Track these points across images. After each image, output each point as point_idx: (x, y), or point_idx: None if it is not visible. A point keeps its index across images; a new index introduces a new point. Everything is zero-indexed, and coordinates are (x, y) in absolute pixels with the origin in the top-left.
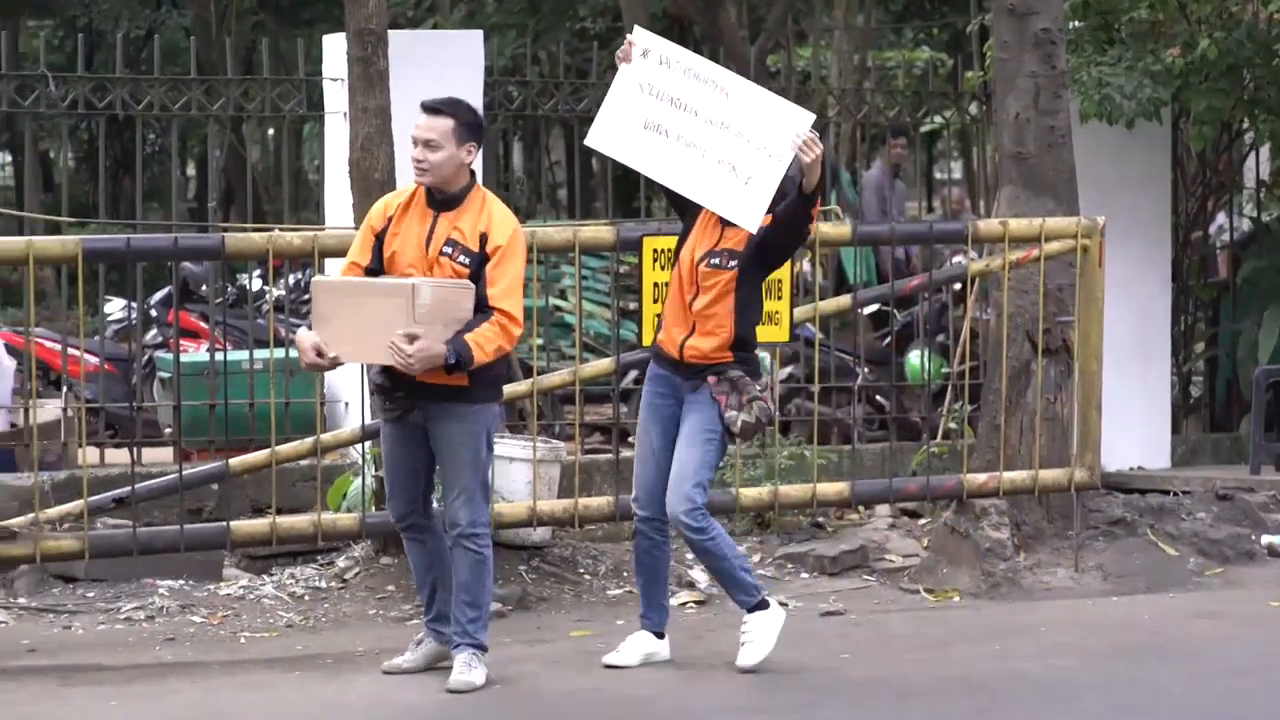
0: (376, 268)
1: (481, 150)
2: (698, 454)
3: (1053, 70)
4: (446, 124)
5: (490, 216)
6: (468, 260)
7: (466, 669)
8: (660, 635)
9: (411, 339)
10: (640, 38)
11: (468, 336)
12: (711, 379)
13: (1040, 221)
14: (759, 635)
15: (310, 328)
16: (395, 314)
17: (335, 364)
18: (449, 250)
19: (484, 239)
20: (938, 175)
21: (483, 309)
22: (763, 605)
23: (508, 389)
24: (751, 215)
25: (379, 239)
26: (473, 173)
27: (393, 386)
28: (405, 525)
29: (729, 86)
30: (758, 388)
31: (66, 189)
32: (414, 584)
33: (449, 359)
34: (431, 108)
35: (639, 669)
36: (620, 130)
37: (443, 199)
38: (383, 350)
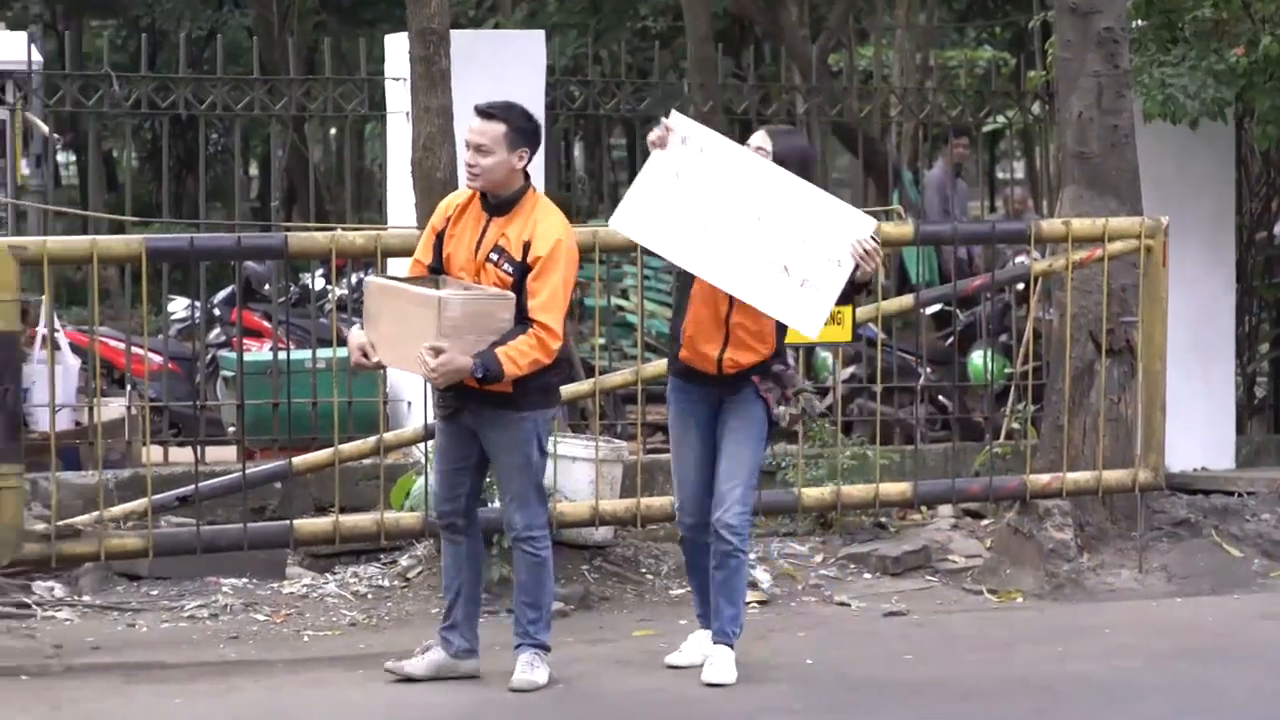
0: (437, 267)
1: (542, 151)
2: (748, 457)
3: (1116, 69)
4: (498, 129)
5: (535, 225)
6: (511, 269)
7: (529, 668)
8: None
9: (436, 352)
10: (679, 124)
11: (500, 350)
12: (755, 378)
13: (1103, 221)
14: (727, 664)
15: (362, 327)
16: (424, 324)
17: (379, 366)
18: (495, 257)
19: (526, 248)
20: (1000, 175)
21: (523, 320)
22: (731, 644)
23: (570, 389)
24: (811, 320)
25: (439, 238)
26: (528, 176)
27: (444, 386)
28: (445, 524)
29: (782, 185)
30: (800, 379)
31: (130, 188)
32: (443, 586)
33: (475, 373)
34: (484, 112)
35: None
36: (652, 216)
37: (496, 203)
38: (414, 359)
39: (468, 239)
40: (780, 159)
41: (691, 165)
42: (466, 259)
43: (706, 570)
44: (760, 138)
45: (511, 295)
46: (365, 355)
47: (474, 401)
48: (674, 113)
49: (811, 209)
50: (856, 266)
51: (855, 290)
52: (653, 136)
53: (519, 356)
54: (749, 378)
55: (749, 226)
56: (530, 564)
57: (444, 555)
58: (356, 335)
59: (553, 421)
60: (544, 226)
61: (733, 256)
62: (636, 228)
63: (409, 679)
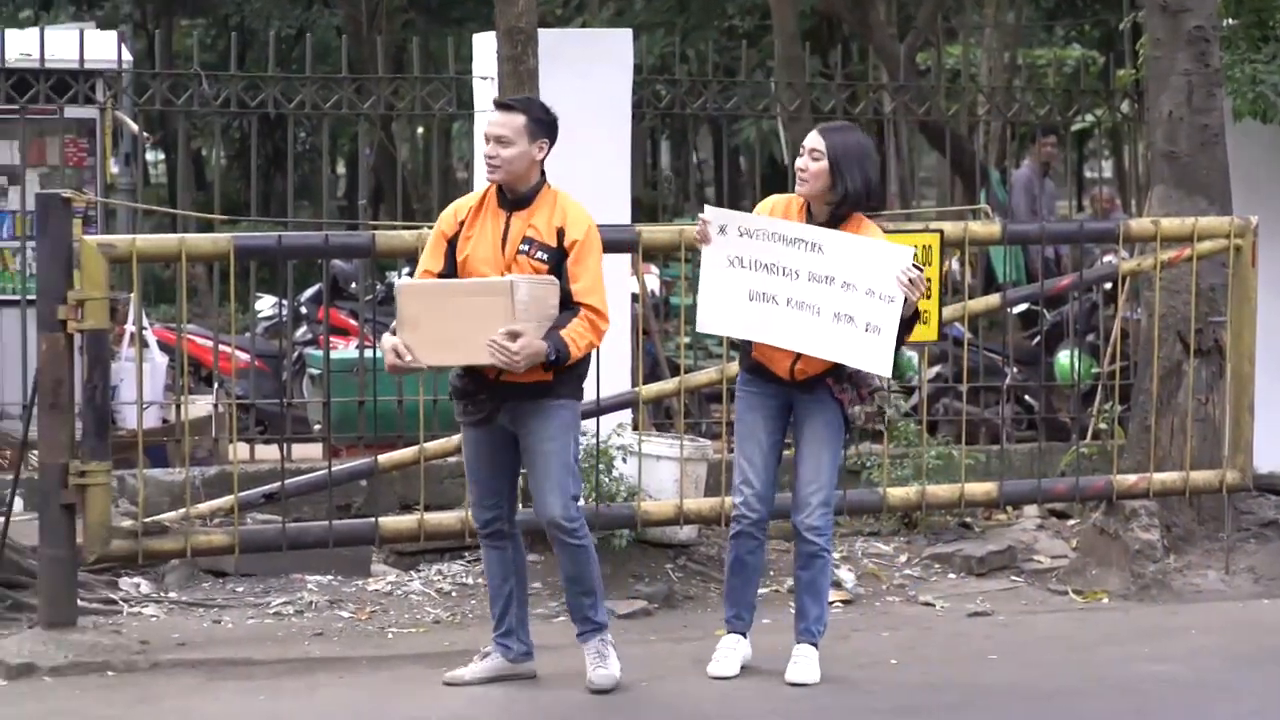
0: (449, 273)
1: (628, 150)
2: (827, 459)
3: (1206, 68)
4: (518, 120)
5: (565, 212)
6: (546, 256)
7: (601, 660)
8: (745, 635)
9: (514, 336)
10: (713, 215)
11: (562, 333)
12: (829, 380)
13: (1192, 221)
14: (811, 664)
15: (394, 333)
16: (493, 312)
17: (416, 368)
18: (526, 248)
19: (560, 234)
20: (1088, 174)
21: (566, 306)
22: (816, 643)
23: (655, 388)
24: (882, 361)
25: (451, 244)
26: (543, 172)
27: (475, 389)
28: (490, 532)
29: (820, 241)
30: (875, 378)
31: (218, 187)
32: (489, 592)
33: (549, 355)
34: (503, 104)
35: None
36: (726, 308)
37: (515, 198)
38: (480, 350)
39: (489, 237)
40: (837, 156)
41: (741, 249)
42: (491, 256)
43: (752, 570)
44: (814, 139)
45: (557, 281)
46: (399, 355)
47: (512, 396)
48: (707, 206)
49: (852, 255)
50: (905, 298)
51: (906, 328)
52: (695, 234)
53: (579, 338)
54: (823, 380)
55: (808, 288)
56: (573, 551)
57: (489, 565)
58: (389, 338)
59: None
60: (574, 213)
61: (803, 321)
62: (718, 323)
63: (460, 684)
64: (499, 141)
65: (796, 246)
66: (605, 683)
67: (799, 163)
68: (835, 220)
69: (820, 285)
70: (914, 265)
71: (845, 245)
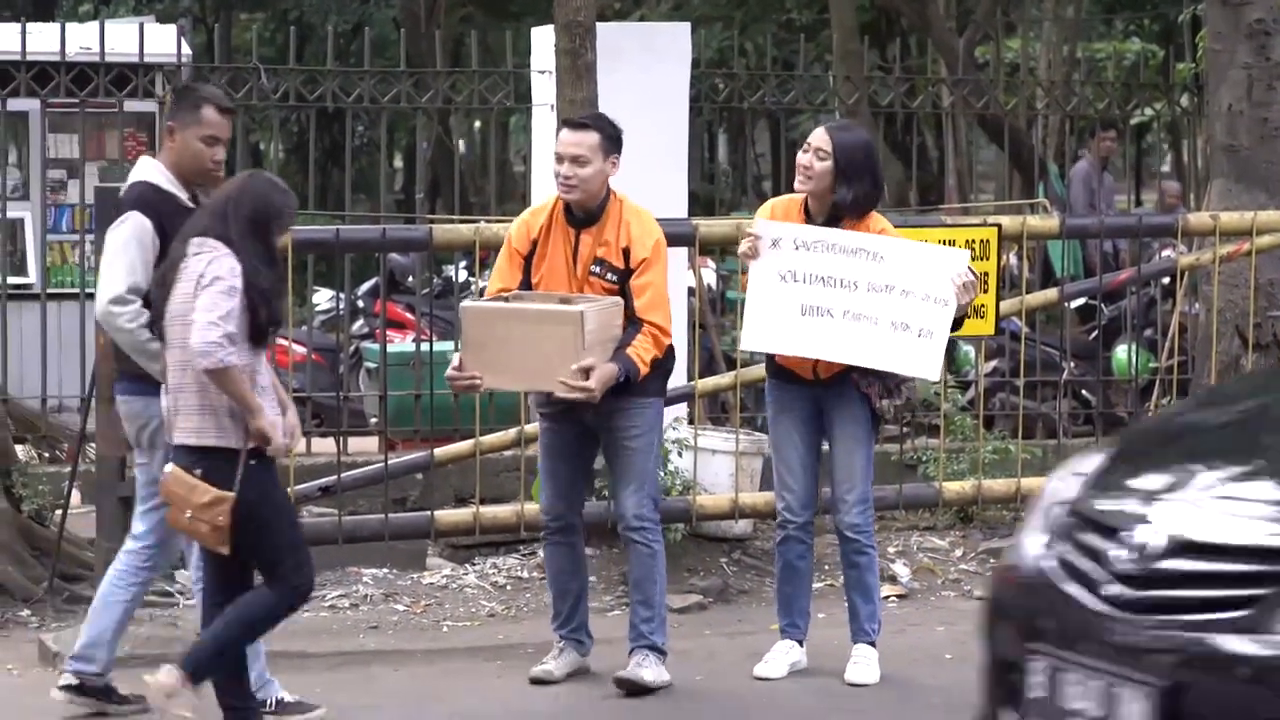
0: (527, 289)
1: (685, 143)
2: (861, 456)
3: (1266, 61)
4: (592, 138)
5: (630, 230)
6: (615, 278)
7: (637, 667)
8: (801, 643)
9: (586, 372)
10: (764, 229)
11: (629, 351)
12: (854, 376)
13: (1252, 215)
14: (871, 664)
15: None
16: (562, 341)
17: (474, 386)
18: (597, 269)
19: (627, 253)
20: (1147, 168)
21: (629, 320)
22: (873, 642)
23: (711, 381)
24: (932, 366)
25: (527, 261)
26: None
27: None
28: (559, 526)
29: (878, 250)
30: None
31: None
32: (550, 589)
33: (620, 377)
34: (576, 123)
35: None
36: (776, 324)
37: (584, 215)
38: (547, 379)
39: (561, 256)
40: (843, 154)
41: (795, 263)
42: (564, 275)
43: (802, 575)
44: (820, 137)
45: (623, 302)
46: (458, 369)
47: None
48: (756, 219)
49: (907, 260)
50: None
51: (955, 327)
52: (743, 249)
53: (645, 354)
54: (847, 377)
55: (867, 299)
56: (643, 556)
57: (554, 562)
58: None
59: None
60: (639, 229)
61: (861, 332)
62: (767, 340)
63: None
64: (575, 161)
65: (858, 256)
66: (650, 681)
67: (803, 159)
68: (833, 219)
69: (880, 294)
70: (969, 269)
71: (901, 251)
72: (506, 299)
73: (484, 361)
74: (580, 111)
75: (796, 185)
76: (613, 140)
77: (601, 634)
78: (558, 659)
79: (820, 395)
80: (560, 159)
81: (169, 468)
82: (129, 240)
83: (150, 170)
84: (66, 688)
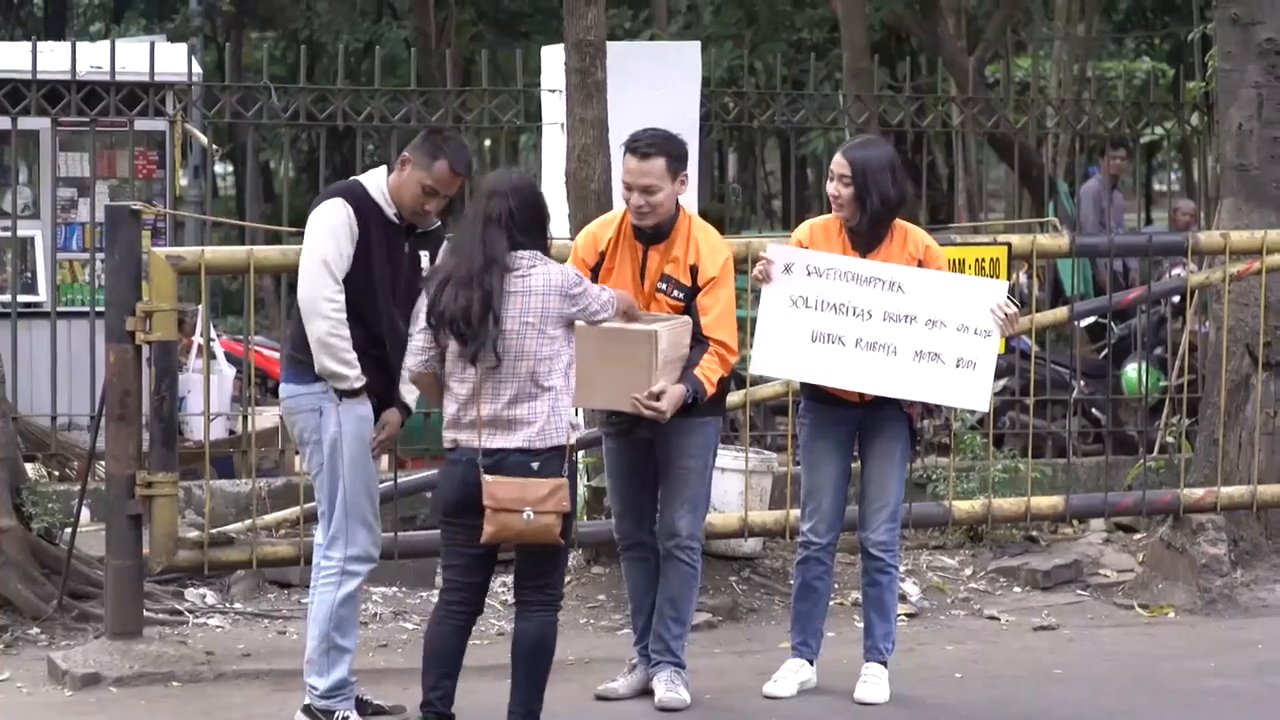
0: None
1: (696, 163)
2: (895, 476)
3: (1277, 81)
4: (659, 164)
5: (698, 248)
6: (681, 295)
7: (674, 686)
8: (812, 662)
9: (657, 396)
10: (777, 254)
11: (697, 372)
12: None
13: (1262, 234)
14: (881, 683)
15: None
16: (633, 360)
17: None
18: (664, 286)
19: (694, 271)
20: (1157, 186)
21: (696, 338)
22: (885, 662)
23: None
24: (978, 396)
25: (593, 273)
26: (677, 201)
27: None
28: (632, 543)
29: (900, 280)
30: None
31: (287, 199)
32: (630, 604)
33: (688, 399)
34: (642, 152)
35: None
36: (786, 350)
37: (653, 232)
38: (621, 399)
39: (628, 271)
40: (862, 171)
41: (807, 289)
42: (630, 291)
43: (819, 596)
44: (840, 163)
45: (690, 320)
46: None
47: None
48: (769, 245)
49: (939, 291)
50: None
51: None
52: (756, 273)
53: (711, 374)
54: (892, 398)
55: (882, 328)
56: (685, 575)
57: (631, 577)
58: None
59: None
60: (706, 247)
61: (879, 362)
62: (776, 365)
63: (617, 698)
64: (646, 191)
65: (872, 285)
66: (677, 705)
67: (831, 188)
68: (875, 234)
69: (898, 325)
70: (1009, 299)
71: (931, 283)
72: None
73: None
74: (592, 130)
75: (834, 214)
76: (679, 160)
77: (608, 653)
78: (628, 676)
79: (862, 418)
80: (630, 189)
81: (487, 478)
82: (335, 226)
83: (370, 176)
84: (309, 708)
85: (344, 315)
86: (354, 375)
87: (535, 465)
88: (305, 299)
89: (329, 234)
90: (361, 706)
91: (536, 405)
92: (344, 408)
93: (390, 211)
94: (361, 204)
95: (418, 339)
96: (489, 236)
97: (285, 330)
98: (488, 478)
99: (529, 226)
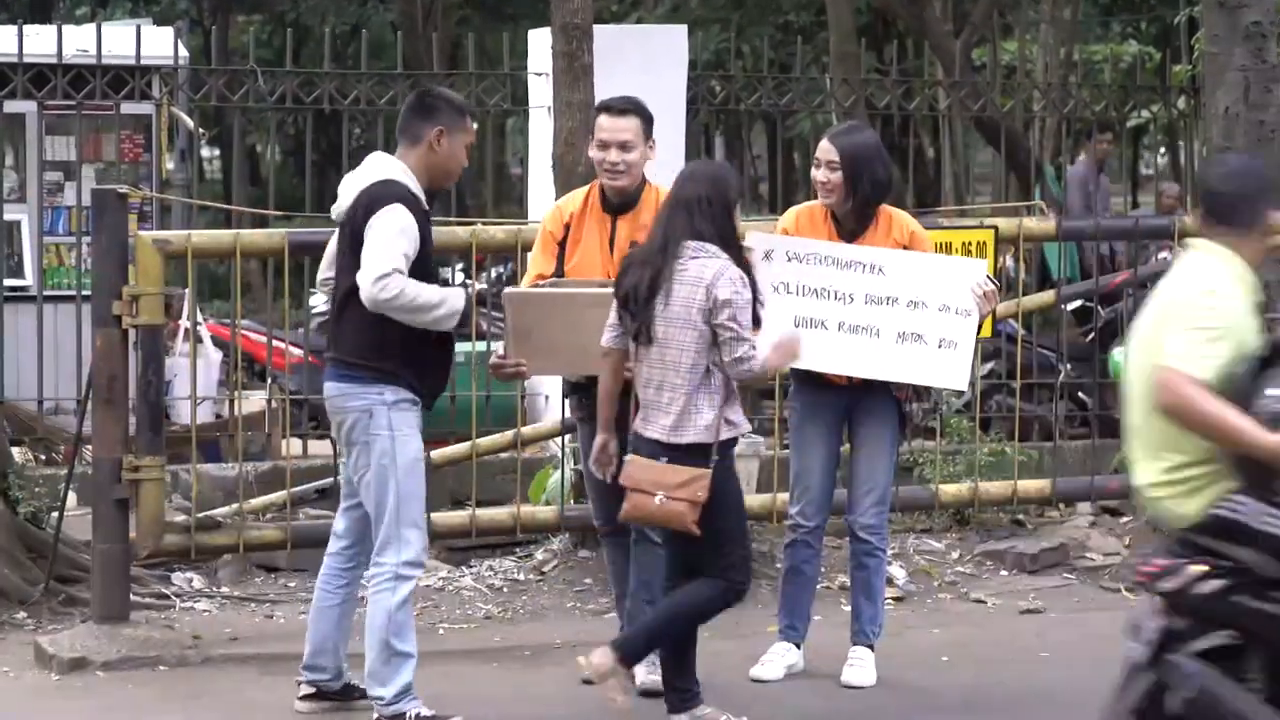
0: (560, 276)
1: (683, 145)
2: (885, 459)
3: (1263, 64)
4: (634, 123)
5: None
6: None
7: (654, 668)
8: (799, 646)
9: None
10: (757, 241)
11: None
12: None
13: None
14: (867, 666)
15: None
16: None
17: (520, 373)
18: None
19: None
20: (1144, 170)
21: None
22: (872, 645)
23: None
24: (959, 375)
25: (561, 247)
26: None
27: (591, 383)
28: (613, 528)
29: (880, 262)
30: None
31: (273, 183)
32: (613, 589)
33: None
34: (619, 109)
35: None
36: (771, 336)
37: (620, 202)
38: (597, 362)
39: (596, 242)
40: (852, 158)
41: (787, 274)
42: (598, 261)
43: (807, 580)
44: (827, 149)
45: None
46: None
47: (627, 395)
48: (751, 232)
49: (920, 272)
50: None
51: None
52: None
53: None
54: (881, 381)
55: (864, 311)
56: (656, 558)
57: (615, 561)
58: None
59: None
60: None
61: (862, 345)
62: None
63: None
64: (623, 147)
65: (853, 269)
66: (659, 686)
67: (818, 175)
68: (863, 220)
69: (880, 307)
70: (987, 278)
71: (911, 264)
72: (543, 285)
73: (530, 348)
74: (578, 113)
75: (820, 201)
76: (649, 123)
77: (596, 636)
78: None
79: (851, 402)
80: (606, 145)
81: (629, 456)
82: (403, 230)
83: (398, 172)
84: (306, 698)
85: (398, 285)
86: (451, 295)
87: (665, 457)
88: (369, 295)
89: (398, 239)
90: (348, 691)
91: (674, 395)
92: (395, 411)
93: (423, 199)
94: (416, 208)
95: (611, 315)
96: (672, 219)
97: (329, 333)
98: (628, 457)
99: (714, 215)
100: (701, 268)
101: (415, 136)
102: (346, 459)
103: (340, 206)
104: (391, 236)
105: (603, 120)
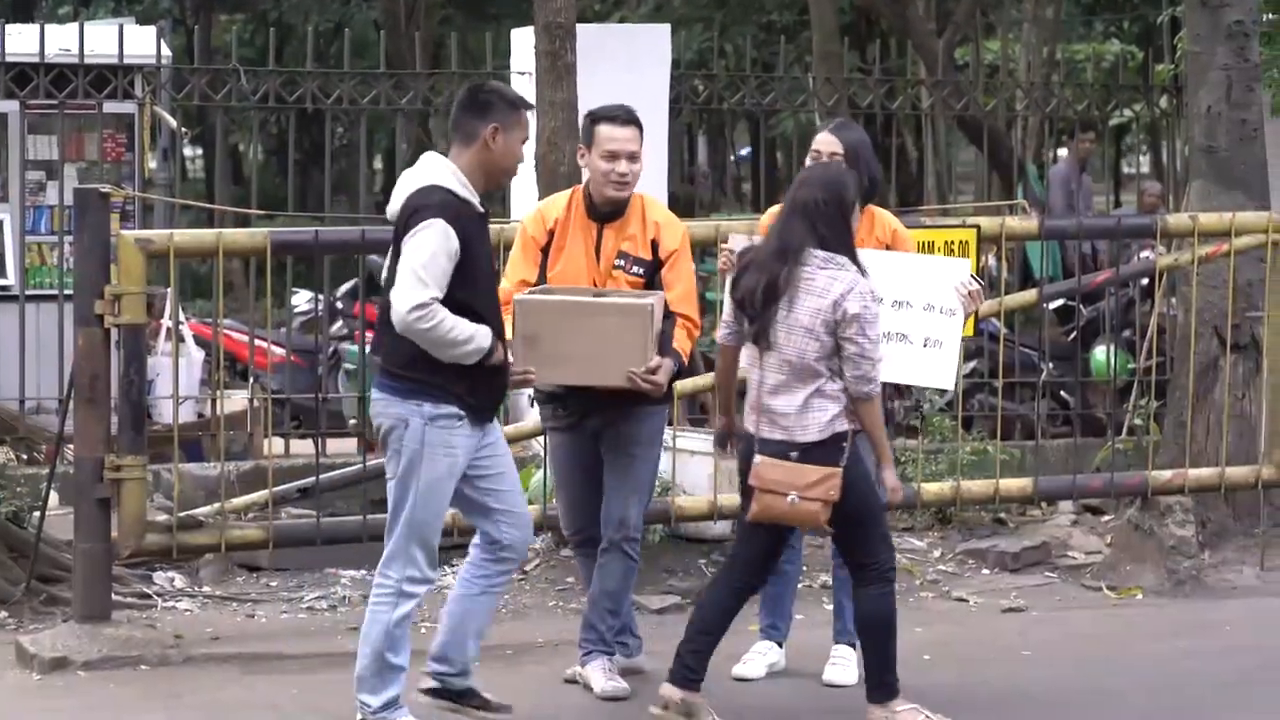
0: (542, 282)
1: (665, 145)
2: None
3: (1245, 63)
4: (639, 133)
5: (656, 222)
6: (641, 270)
7: (613, 675)
8: (781, 645)
9: (654, 370)
10: (739, 244)
11: (674, 346)
12: None
13: (1230, 216)
14: (850, 665)
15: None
16: (628, 333)
17: (528, 381)
18: (621, 263)
19: (655, 246)
20: (1126, 169)
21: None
22: (854, 644)
23: (690, 383)
24: (945, 374)
25: (544, 252)
26: None
27: (565, 392)
28: (585, 538)
29: (865, 263)
30: None
31: (256, 182)
32: (588, 600)
33: (673, 371)
34: (626, 119)
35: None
36: None
37: (610, 210)
38: (614, 374)
39: (581, 249)
40: (851, 151)
41: None
42: (585, 269)
43: (789, 580)
44: (829, 141)
45: (662, 294)
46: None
47: (604, 400)
48: (732, 235)
49: (904, 272)
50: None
51: None
52: (720, 264)
53: (684, 349)
54: None
55: None
56: (628, 569)
57: (586, 571)
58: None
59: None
60: (665, 221)
61: None
62: (745, 351)
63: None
64: (632, 158)
65: None
66: (620, 693)
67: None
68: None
69: None
70: (972, 278)
71: (895, 264)
72: (556, 290)
73: (539, 356)
74: (561, 113)
75: None
76: (643, 132)
77: (576, 636)
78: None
79: None
80: (615, 156)
81: (758, 459)
82: (437, 251)
83: (445, 175)
84: (427, 690)
85: (435, 318)
86: (479, 334)
87: (794, 455)
88: (400, 321)
89: (433, 262)
90: (469, 695)
91: (794, 400)
92: (432, 427)
93: (475, 201)
94: (460, 211)
95: (727, 311)
96: (790, 224)
97: (375, 339)
98: (758, 458)
99: (833, 220)
100: (830, 279)
101: (469, 135)
102: (386, 461)
103: (393, 209)
104: (426, 260)
105: (609, 130)
